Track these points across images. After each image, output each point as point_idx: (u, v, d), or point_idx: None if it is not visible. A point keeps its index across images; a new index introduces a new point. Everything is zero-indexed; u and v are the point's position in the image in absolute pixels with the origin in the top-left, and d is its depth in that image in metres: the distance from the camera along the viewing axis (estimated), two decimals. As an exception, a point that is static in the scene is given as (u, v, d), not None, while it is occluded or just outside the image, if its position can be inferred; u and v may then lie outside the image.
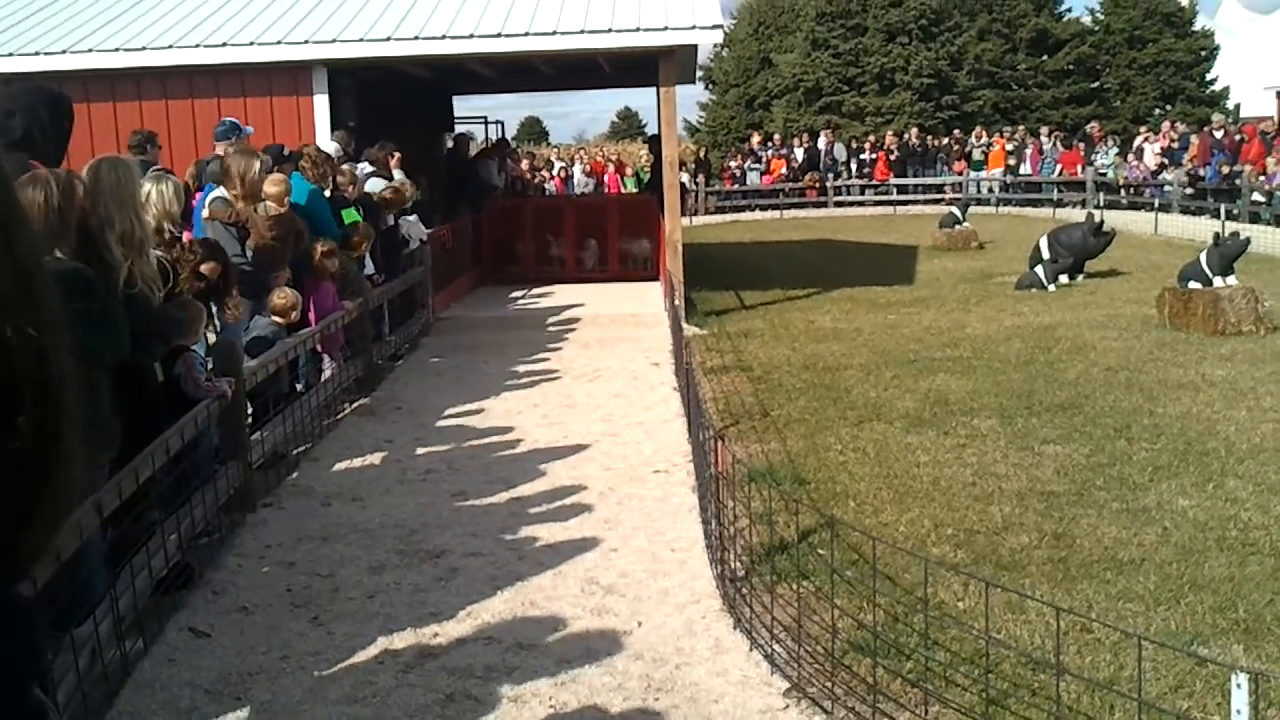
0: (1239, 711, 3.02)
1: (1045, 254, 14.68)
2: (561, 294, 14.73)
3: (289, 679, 4.44)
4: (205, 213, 7.60)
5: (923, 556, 4.22)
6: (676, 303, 10.47)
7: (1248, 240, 12.67)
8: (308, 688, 4.36)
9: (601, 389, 9.53)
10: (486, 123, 22.11)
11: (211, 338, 6.50)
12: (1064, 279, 14.56)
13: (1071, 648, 4.48)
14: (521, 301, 14.58)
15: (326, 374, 8.68)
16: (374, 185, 10.93)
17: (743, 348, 11.10)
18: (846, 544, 5.35)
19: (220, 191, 7.86)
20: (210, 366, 6.05)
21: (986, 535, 5.77)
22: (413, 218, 11.86)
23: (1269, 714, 3.92)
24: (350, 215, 9.66)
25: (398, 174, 12.22)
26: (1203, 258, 12.26)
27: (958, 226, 20.52)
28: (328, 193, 9.44)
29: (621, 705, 4.18)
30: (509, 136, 24.65)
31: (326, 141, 11.59)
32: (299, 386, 8.23)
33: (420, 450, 7.77)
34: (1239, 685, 3.02)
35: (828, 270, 16.64)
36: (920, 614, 4.45)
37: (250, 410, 6.85)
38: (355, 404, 9.08)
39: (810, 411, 8.45)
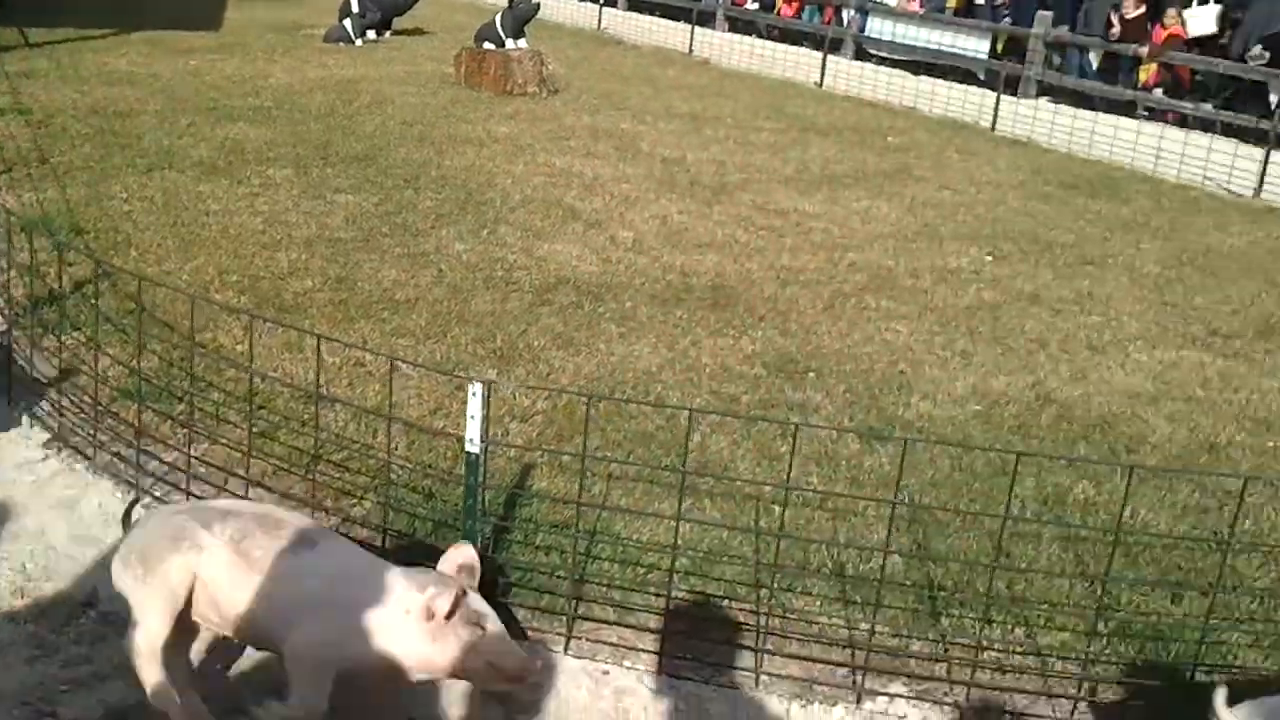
0: (473, 416, 3.36)
1: (354, 8, 14.57)
2: None
3: None
4: None
5: (190, 294, 4.16)
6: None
7: (538, 5, 13.53)
8: None
9: None
10: None
11: None
12: (371, 35, 14.59)
13: (344, 381, 4.73)
14: None
15: None
16: None
17: (23, 88, 9.91)
18: (125, 294, 5.15)
19: None
20: None
21: (271, 280, 5.82)
22: None
23: (505, 419, 4.46)
24: None
25: None
26: (498, 20, 12.92)
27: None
28: None
29: None
30: None
31: None
32: None
33: None
34: (474, 393, 3.35)
35: (127, 10, 15.19)
36: (194, 357, 4.42)
37: None
38: None
39: (96, 159, 7.86)
